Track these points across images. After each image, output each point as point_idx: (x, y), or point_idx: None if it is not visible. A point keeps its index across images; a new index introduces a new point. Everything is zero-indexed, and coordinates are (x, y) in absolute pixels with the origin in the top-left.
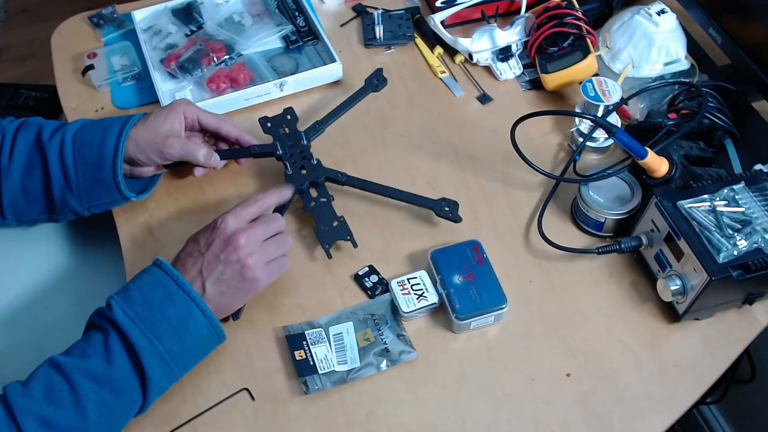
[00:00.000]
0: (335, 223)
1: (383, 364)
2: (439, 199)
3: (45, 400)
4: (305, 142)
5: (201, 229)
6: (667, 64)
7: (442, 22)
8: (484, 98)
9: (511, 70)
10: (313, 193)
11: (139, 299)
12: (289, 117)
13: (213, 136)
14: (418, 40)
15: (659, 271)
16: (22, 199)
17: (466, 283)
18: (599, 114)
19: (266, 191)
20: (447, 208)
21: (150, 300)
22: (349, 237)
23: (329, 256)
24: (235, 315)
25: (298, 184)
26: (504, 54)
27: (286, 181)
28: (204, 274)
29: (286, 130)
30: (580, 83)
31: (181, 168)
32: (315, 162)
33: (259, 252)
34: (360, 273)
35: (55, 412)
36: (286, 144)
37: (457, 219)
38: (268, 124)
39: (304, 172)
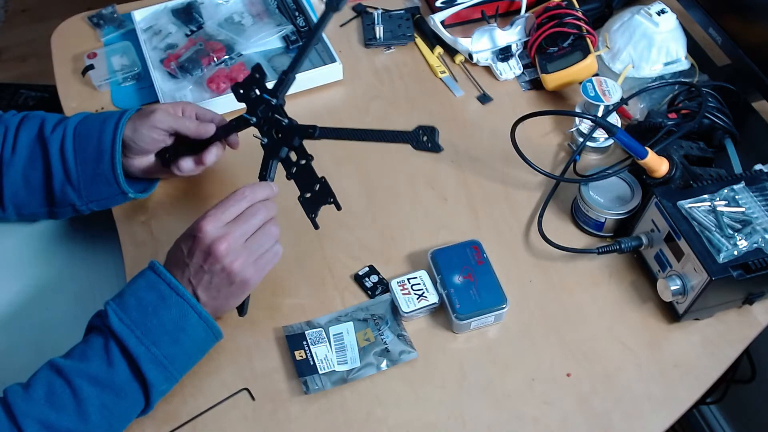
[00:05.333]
0: (317, 186)
1: (383, 364)
2: (416, 128)
3: (46, 403)
4: (275, 101)
5: (182, 236)
6: (667, 64)
7: (442, 22)
8: (484, 98)
9: (511, 70)
10: (293, 156)
11: (134, 304)
12: (257, 75)
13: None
14: (418, 40)
15: (659, 271)
16: (24, 192)
17: (466, 283)
18: (599, 114)
19: (254, 186)
20: (425, 138)
21: (145, 305)
22: (332, 200)
23: (316, 227)
24: (241, 311)
25: (277, 154)
26: (504, 54)
27: (264, 151)
28: (193, 283)
29: (258, 92)
30: (580, 83)
31: (182, 157)
32: (286, 122)
33: (244, 254)
34: (360, 273)
35: (56, 415)
36: (257, 109)
37: (437, 148)
38: (240, 91)
39: (280, 136)
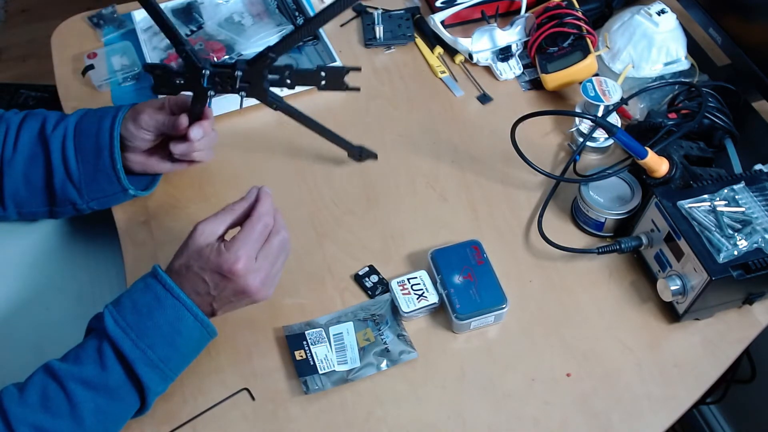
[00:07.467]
0: (322, 73)
1: (383, 364)
2: (358, 146)
3: (41, 408)
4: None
5: (203, 266)
6: (667, 64)
7: (442, 22)
8: (484, 98)
9: (511, 70)
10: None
11: (129, 307)
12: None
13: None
14: (418, 40)
15: (659, 271)
16: (24, 190)
17: (466, 283)
18: (599, 114)
19: (266, 205)
20: (360, 155)
21: (140, 307)
22: (346, 69)
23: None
24: None
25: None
26: (504, 54)
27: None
28: (215, 306)
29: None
30: (580, 83)
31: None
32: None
33: (270, 280)
34: (360, 273)
35: (51, 421)
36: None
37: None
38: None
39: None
